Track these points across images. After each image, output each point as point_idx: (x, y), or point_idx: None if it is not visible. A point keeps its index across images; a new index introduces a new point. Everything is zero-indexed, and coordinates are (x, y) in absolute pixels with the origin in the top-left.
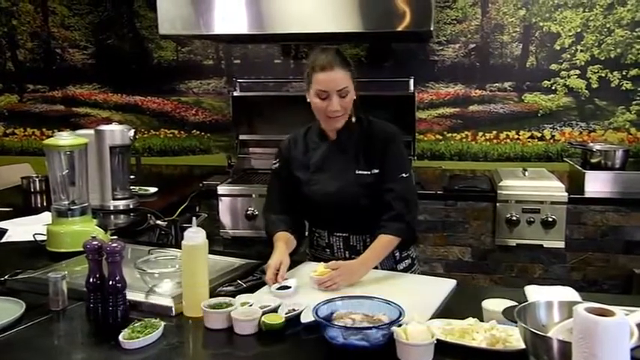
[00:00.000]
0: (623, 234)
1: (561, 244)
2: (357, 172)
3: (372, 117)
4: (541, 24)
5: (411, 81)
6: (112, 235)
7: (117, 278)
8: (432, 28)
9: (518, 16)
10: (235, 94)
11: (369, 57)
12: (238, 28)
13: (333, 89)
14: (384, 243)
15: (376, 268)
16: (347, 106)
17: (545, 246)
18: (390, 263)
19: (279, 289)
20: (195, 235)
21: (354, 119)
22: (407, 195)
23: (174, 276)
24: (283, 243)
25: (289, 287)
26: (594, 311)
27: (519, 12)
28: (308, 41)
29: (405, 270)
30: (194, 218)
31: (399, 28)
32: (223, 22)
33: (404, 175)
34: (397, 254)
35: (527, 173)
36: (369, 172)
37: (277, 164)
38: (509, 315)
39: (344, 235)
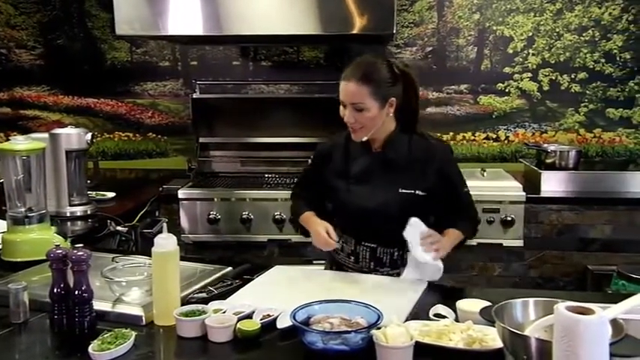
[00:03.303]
0: (577, 232)
1: (520, 243)
2: (400, 190)
3: (425, 132)
4: (495, 28)
5: None
6: (72, 242)
7: (83, 288)
8: (394, 32)
9: (472, 20)
10: (195, 96)
11: (328, 59)
12: (196, 29)
13: (347, 101)
14: (456, 235)
15: (378, 273)
16: (364, 121)
17: (504, 245)
18: (398, 266)
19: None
20: (165, 242)
21: (386, 136)
22: (473, 206)
23: (143, 284)
24: (315, 215)
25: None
26: (574, 310)
27: (474, 16)
28: (267, 43)
29: None
30: (164, 224)
31: (360, 31)
32: (182, 23)
33: (466, 189)
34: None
35: (485, 174)
36: (413, 192)
37: (311, 162)
38: (486, 315)
39: (372, 245)
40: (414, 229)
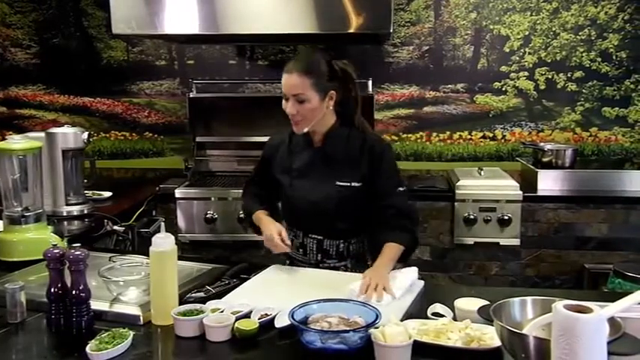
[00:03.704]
0: (574, 230)
1: (516, 242)
2: (337, 183)
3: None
4: (491, 27)
5: (370, 82)
6: (68, 242)
7: (81, 287)
8: (391, 30)
9: (469, 19)
10: (191, 95)
11: None
12: (193, 28)
13: (288, 92)
14: (394, 250)
15: (325, 264)
16: (305, 112)
17: (501, 243)
18: (361, 270)
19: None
20: (163, 241)
21: (325, 130)
22: (409, 210)
23: (141, 283)
24: (267, 215)
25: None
26: (572, 308)
27: (470, 15)
28: (263, 42)
29: None
30: (162, 224)
31: (357, 30)
32: (178, 22)
33: (400, 189)
34: (370, 263)
35: (482, 173)
36: (349, 184)
37: (260, 159)
38: (484, 314)
39: (318, 237)
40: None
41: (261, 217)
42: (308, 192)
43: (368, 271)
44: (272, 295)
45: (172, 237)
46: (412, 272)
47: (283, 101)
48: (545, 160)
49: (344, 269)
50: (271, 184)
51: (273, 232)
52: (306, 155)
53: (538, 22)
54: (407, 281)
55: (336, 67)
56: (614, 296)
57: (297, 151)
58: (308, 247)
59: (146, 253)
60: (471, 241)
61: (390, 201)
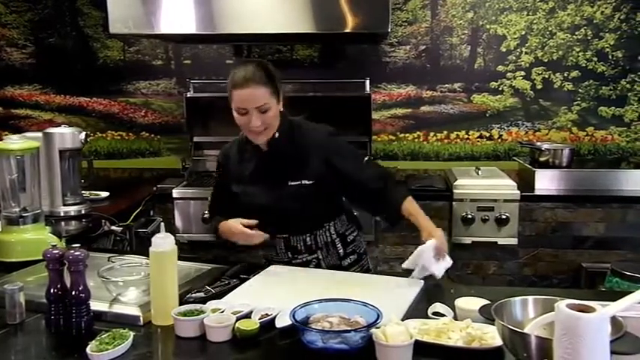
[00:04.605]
0: (571, 230)
1: (514, 241)
2: (289, 183)
3: (301, 120)
4: (488, 27)
5: (367, 82)
6: (67, 242)
7: (80, 288)
8: (389, 30)
9: (466, 19)
10: (189, 94)
11: (322, 58)
12: (190, 27)
13: (250, 107)
14: (414, 204)
15: (319, 266)
16: (269, 121)
17: (499, 243)
18: (334, 260)
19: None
20: (163, 242)
21: (277, 135)
22: (383, 173)
23: (140, 284)
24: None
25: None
26: (575, 307)
27: (467, 15)
28: (260, 42)
29: (352, 265)
30: (161, 224)
31: (355, 30)
32: (175, 22)
33: (365, 159)
34: (341, 251)
35: (480, 172)
36: (299, 183)
37: (215, 174)
38: (485, 313)
39: (284, 236)
40: (424, 253)
41: (222, 224)
42: (262, 197)
43: (424, 233)
44: (272, 295)
45: (172, 237)
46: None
47: (236, 116)
48: (542, 159)
49: (316, 262)
50: (230, 194)
51: (238, 225)
52: (255, 161)
53: (534, 21)
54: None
55: (273, 71)
56: (612, 295)
57: (247, 159)
58: (277, 247)
59: (144, 254)
60: (468, 240)
61: (366, 175)
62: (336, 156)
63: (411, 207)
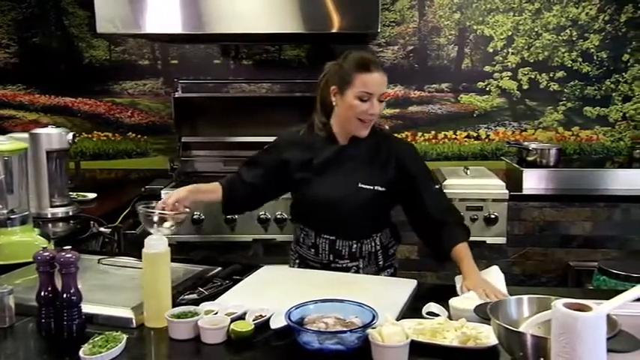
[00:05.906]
0: (559, 229)
1: (503, 240)
2: (360, 185)
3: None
4: (475, 27)
5: None
6: (55, 244)
7: (72, 291)
8: (379, 30)
9: (453, 20)
10: (177, 95)
11: (310, 58)
12: (177, 27)
13: (377, 91)
14: (466, 249)
15: (337, 264)
16: (381, 112)
17: (488, 242)
18: (372, 270)
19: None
20: (156, 243)
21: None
22: (452, 209)
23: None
24: (200, 185)
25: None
26: (572, 306)
27: (454, 15)
28: (248, 42)
29: None
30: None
31: (344, 30)
32: (163, 21)
33: (437, 187)
34: (381, 262)
35: (469, 172)
36: (371, 188)
37: (266, 150)
38: (480, 312)
39: (331, 238)
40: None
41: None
42: (327, 190)
43: (467, 282)
44: (266, 296)
45: (166, 239)
46: (496, 271)
47: (357, 103)
48: (529, 159)
49: (355, 270)
50: (267, 177)
51: (186, 191)
52: (329, 153)
53: (521, 22)
54: (501, 281)
55: None
56: (600, 293)
57: (319, 149)
58: (320, 247)
59: (133, 255)
60: None
61: (438, 204)
62: (413, 164)
63: (462, 252)
